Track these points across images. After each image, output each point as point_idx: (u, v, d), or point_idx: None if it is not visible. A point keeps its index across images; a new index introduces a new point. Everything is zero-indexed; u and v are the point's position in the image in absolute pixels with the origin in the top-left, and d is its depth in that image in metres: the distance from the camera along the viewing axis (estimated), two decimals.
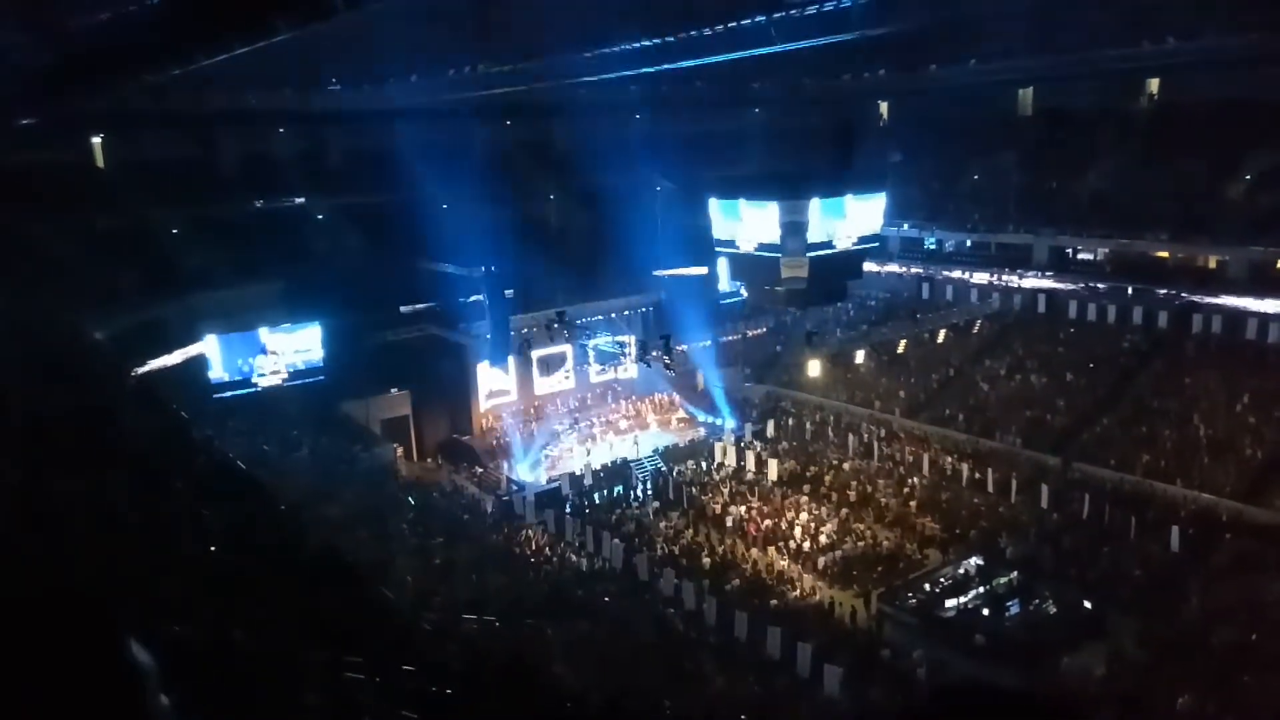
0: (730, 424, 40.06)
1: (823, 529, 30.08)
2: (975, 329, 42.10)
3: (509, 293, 36.89)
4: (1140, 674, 21.33)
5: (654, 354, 33.00)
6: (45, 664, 1.02)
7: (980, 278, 43.61)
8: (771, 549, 29.43)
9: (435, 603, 23.15)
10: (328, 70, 36.07)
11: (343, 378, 35.30)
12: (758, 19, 25.61)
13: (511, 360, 39.33)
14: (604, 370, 42.48)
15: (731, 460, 36.60)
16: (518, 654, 18.61)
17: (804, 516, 31.05)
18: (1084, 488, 30.53)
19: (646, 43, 28.15)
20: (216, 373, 33.32)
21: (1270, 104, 36.53)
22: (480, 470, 37.07)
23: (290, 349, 34.48)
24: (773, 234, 29.25)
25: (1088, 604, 24.32)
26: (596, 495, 34.33)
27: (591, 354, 40.48)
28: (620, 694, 18.62)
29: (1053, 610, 24.23)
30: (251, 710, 4.92)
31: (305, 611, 9.98)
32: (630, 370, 41.96)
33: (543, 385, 42.28)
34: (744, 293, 41.91)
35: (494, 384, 41.15)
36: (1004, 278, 42.69)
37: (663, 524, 31.55)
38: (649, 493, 34.56)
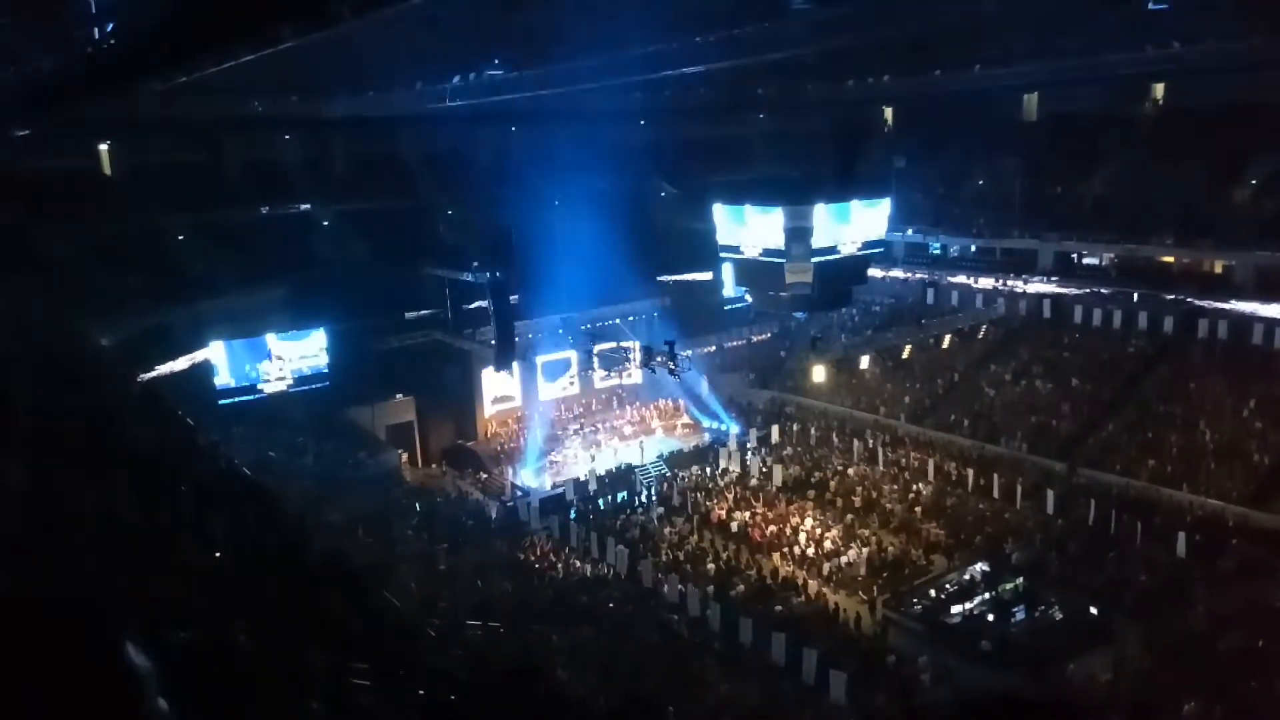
0: (735, 429, 40.05)
1: (827, 535, 30.03)
2: (980, 334, 42.03)
3: (514, 298, 36.95)
4: (1146, 680, 21.24)
5: (658, 359, 33.02)
6: (46, 667, 1.05)
7: (985, 283, 43.54)
8: (776, 555, 29.39)
9: (439, 608, 23.16)
10: (333, 77, 36.18)
11: (347, 384, 35.42)
12: (762, 24, 25.66)
13: (516, 366, 39.38)
14: (608, 376, 42.49)
15: (736, 466, 36.57)
16: (522, 660, 18.62)
17: (809, 522, 31.01)
18: (1089, 493, 30.44)
19: (649, 49, 28.21)
20: (223, 379, 33.44)
21: (1275, 108, 36.48)
22: (484, 476, 37.09)
23: (296, 355, 34.60)
24: (777, 239, 29.30)
25: (1094, 610, 24.22)
26: (601, 501, 34.32)
27: (596, 359, 40.51)
28: (625, 700, 18.61)
29: (1058, 616, 24.13)
30: (255, 715, 4.94)
31: (309, 617, 10.01)
32: (635, 376, 41.96)
33: (547, 391, 42.31)
34: (748, 298, 41.90)
35: (498, 390, 41.19)
36: (1009, 283, 42.61)
37: (667, 530, 31.53)
38: (653, 498, 34.54)
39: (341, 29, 15.13)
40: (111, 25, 18.33)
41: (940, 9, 26.03)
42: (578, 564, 29.08)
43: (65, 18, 20.09)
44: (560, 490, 34.80)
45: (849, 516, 31.38)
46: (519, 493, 34.97)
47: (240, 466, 23.96)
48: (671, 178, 52.03)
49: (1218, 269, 38.07)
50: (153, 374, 31.01)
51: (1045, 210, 43.15)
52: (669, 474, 36.38)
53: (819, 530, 30.37)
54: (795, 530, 30.49)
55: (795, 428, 39.49)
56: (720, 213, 31.89)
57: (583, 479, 35.47)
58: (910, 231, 46.06)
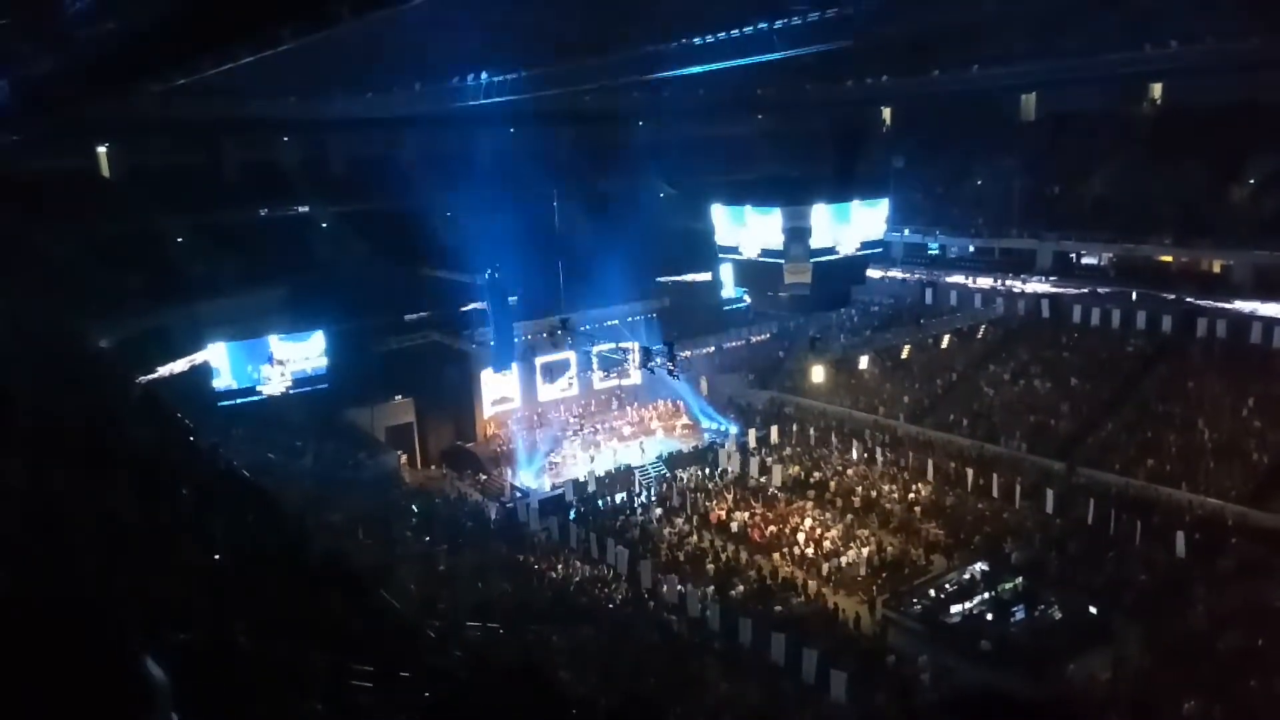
0: (732, 430, 40.07)
1: (827, 535, 30.05)
2: (979, 334, 42.04)
3: (512, 299, 36.96)
4: (1146, 679, 21.26)
5: (657, 360, 33.01)
6: (47, 671, 1.05)
7: (984, 283, 43.56)
8: (776, 555, 29.41)
9: (439, 609, 23.15)
10: (333, 78, 36.20)
11: (347, 385, 35.42)
12: (760, 25, 25.66)
13: (515, 367, 39.38)
14: (607, 377, 42.50)
15: (735, 466, 36.58)
16: (522, 660, 18.62)
17: (808, 522, 31.01)
18: (1089, 493, 30.44)
19: (650, 49, 28.23)
20: (224, 381, 33.46)
21: (1273, 107, 36.53)
22: (484, 477, 37.09)
23: (297, 357, 34.62)
24: (776, 240, 29.31)
25: (1093, 609, 24.23)
26: (600, 502, 34.33)
27: (595, 360, 40.52)
28: (625, 700, 18.60)
29: (1058, 616, 24.15)
30: (255, 716, 4.94)
31: (309, 618, 10.01)
32: (634, 376, 41.96)
33: (546, 392, 42.31)
34: (747, 298, 41.95)
35: (498, 391, 41.19)
36: (1007, 283, 42.63)
37: (667, 530, 31.53)
38: (653, 499, 34.55)
39: (341, 30, 15.13)
40: (110, 26, 18.31)
41: (939, 9, 26.08)
42: (577, 564, 29.08)
43: (64, 18, 20.08)
44: (559, 491, 34.80)
45: (848, 516, 31.39)
46: (518, 494, 34.97)
47: (240, 468, 23.96)
48: (670, 178, 52.05)
49: (1216, 268, 38.11)
50: (152, 376, 31.02)
51: (1044, 210, 43.18)
52: (668, 474, 36.39)
53: (818, 530, 30.38)
54: (795, 530, 30.50)
55: (794, 428, 39.49)
56: (719, 213, 31.91)
57: (582, 480, 35.47)
58: (909, 231, 46.08)
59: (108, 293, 32.83)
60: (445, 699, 8.68)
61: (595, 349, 39.38)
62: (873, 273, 36.39)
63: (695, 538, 30.85)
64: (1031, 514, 30.54)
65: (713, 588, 26.68)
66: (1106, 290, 39.73)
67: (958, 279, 44.79)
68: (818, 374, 39.71)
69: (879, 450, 35.99)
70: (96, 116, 32.18)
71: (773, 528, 30.92)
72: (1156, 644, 22.43)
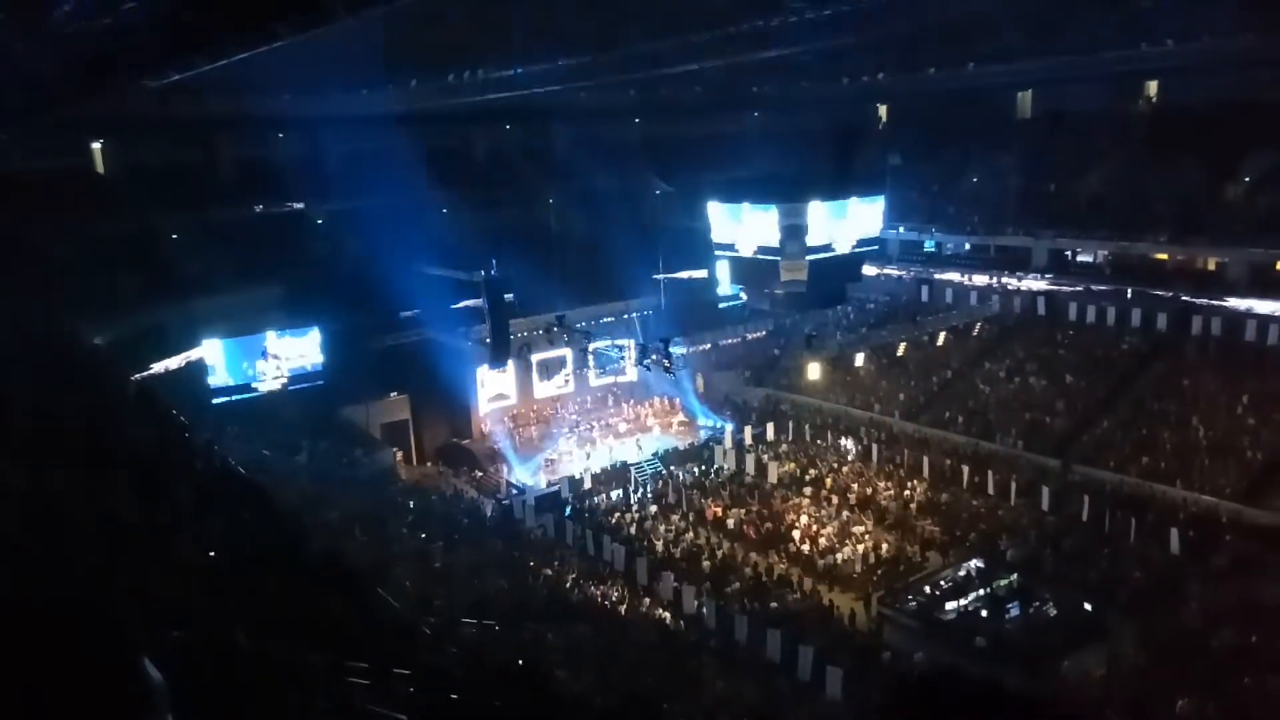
0: (728, 427, 40.08)
1: (822, 532, 30.09)
2: (975, 331, 42.10)
3: (508, 296, 36.90)
4: (1140, 676, 21.33)
5: (653, 357, 32.99)
6: (56, 676, 1.05)
7: (979, 280, 43.64)
8: (771, 552, 29.44)
9: (435, 607, 23.14)
10: (328, 75, 36.07)
11: (342, 382, 35.39)
12: (756, 23, 25.66)
13: (511, 364, 39.35)
14: (604, 374, 42.49)
15: (731, 463, 36.60)
16: (518, 658, 18.63)
17: (804, 519, 31.06)
18: (1084, 490, 30.52)
19: (645, 47, 28.21)
20: (219, 378, 33.40)
21: (1269, 105, 36.57)
22: (480, 474, 37.08)
23: (293, 353, 34.57)
24: (772, 237, 29.29)
25: (1088, 606, 24.31)
26: (596, 499, 34.33)
27: (591, 358, 40.51)
28: (621, 698, 18.61)
29: (1053, 612, 24.22)
30: (251, 714, 4.94)
31: (305, 616, 10.00)
32: (630, 374, 41.97)
33: (542, 389, 42.30)
34: (743, 296, 41.96)
35: (494, 388, 41.16)
36: (1003, 280, 42.71)
37: (662, 527, 31.55)
38: (649, 496, 34.57)
39: (336, 26, 15.09)
40: (105, 22, 18.23)
41: (935, 6, 26.07)
42: (574, 562, 29.09)
43: (57, 14, 19.98)
44: (555, 488, 34.80)
45: (844, 513, 31.44)
46: (514, 490, 34.97)
47: (236, 465, 23.91)
48: (666, 175, 52.02)
49: (1211, 266, 38.18)
50: (147, 373, 30.95)
51: (1040, 208, 43.23)
52: (664, 472, 36.40)
53: (814, 527, 30.43)
54: (790, 527, 30.54)
55: (790, 425, 39.54)
56: (715, 210, 31.88)
57: (578, 477, 35.48)
58: (905, 229, 46.13)
59: (103, 290, 32.73)
60: (441, 697, 8.68)
61: (591, 346, 39.36)
62: (869, 270, 36.36)
63: (691, 535, 30.88)
64: (1026, 511, 30.63)
65: (708, 585, 26.71)
66: (1102, 288, 39.81)
67: (953, 276, 44.86)
68: (814, 371, 39.71)
69: (875, 447, 36.05)
70: (91, 113, 32.05)
71: (768, 525, 30.96)
72: (1151, 641, 22.51)
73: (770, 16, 24.32)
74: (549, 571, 28.00)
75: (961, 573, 26.55)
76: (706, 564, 28.47)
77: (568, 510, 33.13)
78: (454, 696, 8.82)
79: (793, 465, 35.71)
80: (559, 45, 30.06)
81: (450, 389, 39.87)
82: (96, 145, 41.37)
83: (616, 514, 32.90)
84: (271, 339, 34.27)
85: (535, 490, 35.02)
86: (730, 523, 31.41)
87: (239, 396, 33.76)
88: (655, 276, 43.30)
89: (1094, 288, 40.04)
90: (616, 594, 26.65)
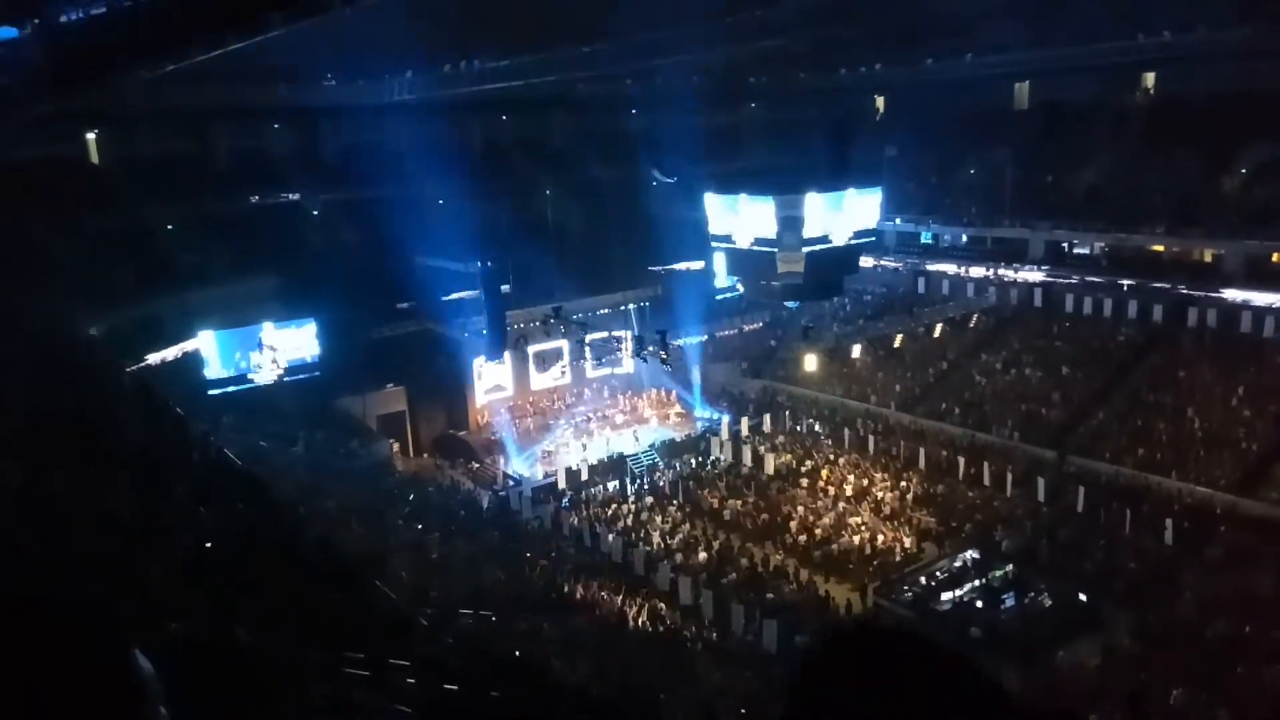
0: (725, 418, 40.10)
1: (819, 523, 30.13)
2: (971, 323, 42.14)
3: (505, 288, 36.87)
4: (1135, 666, 21.42)
5: (650, 349, 33.02)
6: (43, 670, 1.03)
7: (976, 272, 43.63)
8: (768, 543, 29.48)
9: (432, 598, 23.18)
10: (323, 65, 35.99)
11: (339, 374, 35.32)
12: (756, 13, 25.62)
13: (508, 355, 39.32)
14: (600, 365, 42.48)
15: (728, 455, 36.63)
16: (515, 649, 18.67)
17: (800, 510, 31.10)
18: (1079, 481, 30.59)
19: (643, 37, 28.13)
20: (214, 369, 33.33)
21: (1266, 96, 36.57)
22: (476, 465, 37.08)
23: (289, 345, 34.52)
24: (769, 229, 29.28)
25: (1083, 597, 24.42)
26: (593, 490, 34.35)
27: (587, 349, 40.49)
28: (617, 689, 18.66)
29: (1048, 603, 24.32)
30: (248, 706, 4.93)
31: (302, 607, 10.00)
32: (627, 365, 41.96)
33: (539, 380, 42.26)
34: (740, 287, 41.94)
35: (490, 379, 41.14)
36: (1000, 272, 42.71)
37: (659, 518, 31.57)
38: (645, 487, 34.58)
39: (331, 16, 15.03)
40: (99, 11, 18.14)
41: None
42: (570, 553, 29.12)
43: (51, 4, 19.88)
44: (552, 479, 34.81)
45: (840, 505, 31.49)
46: (511, 482, 34.96)
47: (232, 457, 23.90)
48: (663, 167, 51.90)
49: (1208, 258, 38.21)
50: (142, 364, 30.88)
51: (1036, 199, 43.22)
52: (661, 463, 36.42)
53: (810, 518, 30.47)
54: (787, 518, 30.58)
55: (787, 416, 39.56)
56: (712, 202, 31.85)
57: (575, 468, 35.48)
58: (901, 220, 46.09)
59: (97, 281, 32.61)
60: (438, 687, 8.69)
61: (588, 338, 39.35)
62: (865, 262, 36.34)
63: (688, 526, 30.89)
64: (1022, 502, 30.70)
65: (705, 576, 26.75)
66: (1098, 280, 39.83)
67: (950, 268, 44.84)
68: (810, 363, 39.77)
69: (871, 439, 36.09)
70: (85, 103, 31.90)
71: (765, 516, 30.99)
72: (1146, 631, 22.61)
73: (769, 6, 24.28)
74: (545, 563, 28.04)
75: (957, 563, 26.63)
76: (703, 555, 28.50)
77: (565, 502, 33.14)
78: (451, 687, 8.84)
79: (789, 456, 35.74)
80: (556, 35, 29.99)
81: (447, 380, 39.84)
82: (91, 136, 41.15)
83: (613, 505, 32.92)
84: (268, 330, 34.22)
85: (532, 482, 35.02)
86: (727, 514, 31.44)
87: (235, 388, 33.70)
88: (652, 268, 43.28)
89: (1091, 279, 40.05)
90: (613, 585, 26.68)
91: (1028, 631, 23.02)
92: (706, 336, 43.69)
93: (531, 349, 40.86)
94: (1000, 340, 40.89)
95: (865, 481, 33.12)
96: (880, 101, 54.86)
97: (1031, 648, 21.95)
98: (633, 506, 32.69)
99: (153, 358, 31.85)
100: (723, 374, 44.44)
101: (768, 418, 39.25)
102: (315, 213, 43.83)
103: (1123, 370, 36.45)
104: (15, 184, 33.11)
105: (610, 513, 32.07)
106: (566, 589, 26.06)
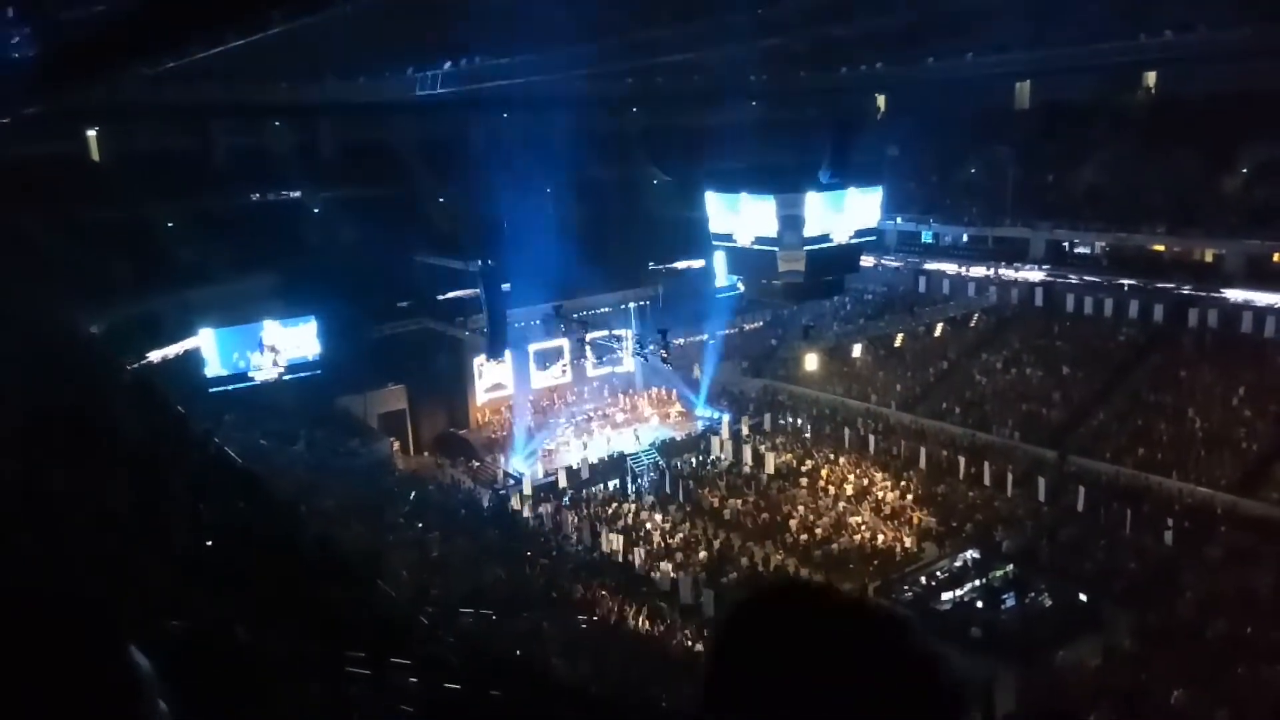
0: (725, 417, 40.08)
1: (819, 522, 30.13)
2: (972, 323, 42.12)
3: (506, 286, 36.82)
4: (1135, 667, 21.41)
5: (650, 348, 32.99)
6: (39, 667, 1.01)
7: (977, 271, 43.61)
8: (768, 542, 29.48)
9: (432, 596, 23.17)
10: (324, 62, 35.89)
11: (339, 372, 35.29)
12: (758, 11, 25.57)
13: (508, 354, 39.29)
14: (601, 364, 42.45)
15: (729, 454, 36.62)
16: (514, 648, 18.66)
17: (800, 510, 31.09)
18: (1080, 481, 30.60)
19: (644, 36, 28.09)
20: (215, 367, 33.31)
21: (1267, 96, 36.53)
22: (477, 464, 37.06)
23: (290, 343, 34.50)
24: (770, 227, 29.24)
25: (1083, 597, 24.41)
26: (594, 489, 34.33)
27: (588, 348, 40.46)
28: (617, 688, 18.66)
29: (1048, 603, 24.32)
30: (247, 704, 4.92)
31: (302, 605, 9.98)
32: (627, 364, 41.93)
33: (539, 379, 42.25)
34: (741, 286, 41.90)
35: (491, 378, 41.11)
36: (1001, 271, 42.68)
37: (659, 517, 31.58)
38: (645, 486, 34.57)
39: (332, 12, 15.00)
40: (99, 7, 18.09)
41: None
42: (570, 552, 29.11)
43: (50, 0, 19.82)
44: (552, 478, 34.79)
45: (841, 504, 31.48)
46: (511, 480, 34.94)
47: (232, 455, 23.88)
48: (664, 165, 51.87)
49: (1208, 258, 38.19)
50: (142, 362, 30.86)
51: (1037, 199, 43.19)
52: (661, 462, 36.40)
53: (811, 518, 30.47)
54: (787, 518, 30.58)
55: (788, 416, 39.56)
56: (713, 201, 31.80)
57: (575, 467, 35.46)
58: (902, 220, 46.07)
59: (98, 279, 32.59)
60: (438, 686, 8.67)
61: (588, 336, 39.32)
62: (866, 261, 36.24)
63: (688, 525, 30.89)
64: (1023, 502, 30.71)
65: (705, 575, 26.74)
66: (1099, 279, 39.81)
67: (951, 267, 44.82)
68: (811, 362, 39.76)
69: (871, 438, 36.08)
70: (85, 101, 31.83)
71: (765, 515, 30.99)
72: (1146, 631, 22.60)
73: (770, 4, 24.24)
74: (546, 562, 28.03)
75: (957, 563, 26.63)
76: (703, 554, 28.50)
77: (565, 500, 33.13)
78: (451, 686, 8.82)
79: (789, 456, 35.74)
80: (556, 33, 29.93)
81: (447, 379, 39.83)
82: (91, 133, 41.13)
83: (614, 504, 32.93)
84: (268, 328, 34.19)
85: (532, 480, 35.01)
86: (727, 513, 31.44)
87: (235, 386, 33.68)
88: (653, 267, 43.24)
89: (1091, 279, 40.03)
90: (613, 584, 26.68)
91: (1028, 631, 23.01)
92: (708, 335, 43.65)
93: (532, 347, 40.85)
94: (1001, 340, 40.88)
95: (866, 481, 33.12)
96: (881, 100, 54.80)
97: (1032, 648, 21.94)
98: (633, 505, 32.70)
99: (154, 355, 31.84)
100: (723, 373, 44.41)
101: (768, 417, 39.23)
102: (316, 210, 43.81)
103: (1123, 370, 36.44)
104: (15, 181, 33.12)
105: (610, 511, 32.07)
106: (567, 588, 26.05)
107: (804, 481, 33.47)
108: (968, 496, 31.58)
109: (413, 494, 32.54)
